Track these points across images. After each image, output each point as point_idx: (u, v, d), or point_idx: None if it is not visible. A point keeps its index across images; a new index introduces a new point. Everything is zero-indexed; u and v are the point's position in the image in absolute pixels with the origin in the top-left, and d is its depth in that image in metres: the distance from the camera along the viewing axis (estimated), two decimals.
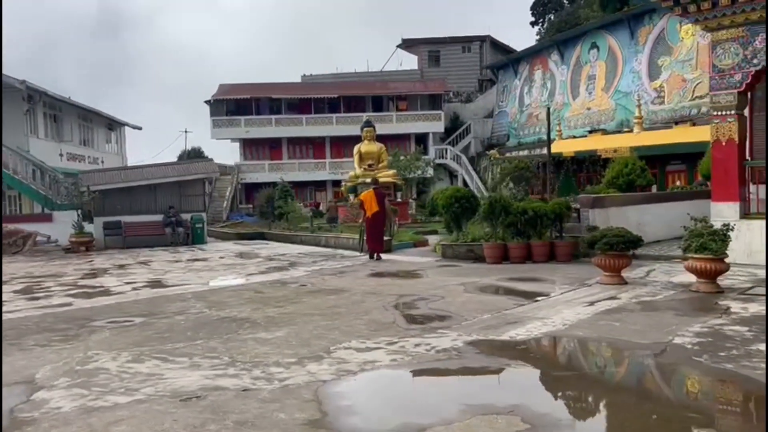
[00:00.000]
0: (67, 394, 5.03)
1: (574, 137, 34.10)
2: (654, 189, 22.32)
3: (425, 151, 40.67)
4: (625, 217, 14.55)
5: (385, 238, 16.88)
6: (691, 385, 5.23)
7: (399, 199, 27.80)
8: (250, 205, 42.54)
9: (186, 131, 60.02)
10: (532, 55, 41.15)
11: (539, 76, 40.41)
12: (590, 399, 4.92)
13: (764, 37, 11.24)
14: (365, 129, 29.38)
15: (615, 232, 9.54)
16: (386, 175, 27.96)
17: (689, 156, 27.52)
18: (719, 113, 11.91)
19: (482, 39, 47.91)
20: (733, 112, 11.73)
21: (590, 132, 33.61)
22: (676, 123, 29.41)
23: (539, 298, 8.85)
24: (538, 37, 53.65)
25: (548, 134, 16.11)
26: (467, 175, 41.28)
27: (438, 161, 41.56)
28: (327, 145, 43.54)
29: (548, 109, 16.49)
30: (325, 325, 7.45)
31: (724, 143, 11.86)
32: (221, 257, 16.40)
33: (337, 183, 43.15)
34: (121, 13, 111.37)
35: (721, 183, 11.99)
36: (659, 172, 28.29)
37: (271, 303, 9.17)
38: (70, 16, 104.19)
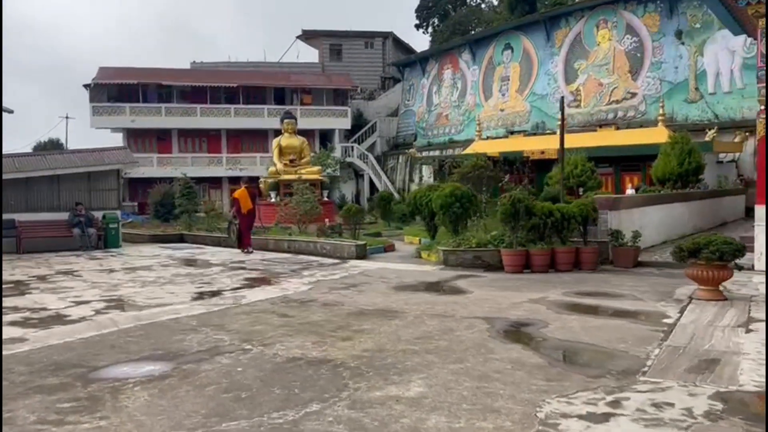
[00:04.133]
0: None
1: (489, 138, 33.39)
2: (581, 191, 21.66)
3: (328, 149, 38.42)
4: (631, 220, 13.44)
5: (359, 242, 14.71)
6: None
7: (326, 198, 25.47)
8: (135, 203, 38.22)
9: (67, 117, 52.88)
10: (442, 53, 40.20)
11: (449, 76, 39.53)
12: None
13: None
14: (286, 121, 26.72)
15: (722, 240, 8.08)
16: (311, 172, 25.61)
17: (615, 159, 27.50)
18: None
19: (385, 35, 46.43)
20: None
21: (511, 133, 33.08)
22: (600, 126, 29.45)
23: (665, 320, 7.18)
24: (430, 39, 53.08)
25: (561, 128, 14.66)
26: (374, 174, 39.55)
27: (342, 159, 39.40)
28: (223, 138, 40.01)
29: (562, 98, 15.05)
30: (461, 371, 5.29)
31: None
32: (164, 265, 13.34)
33: (234, 180, 39.84)
34: None
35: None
36: None
37: (324, 333, 6.79)
38: None
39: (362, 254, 14.05)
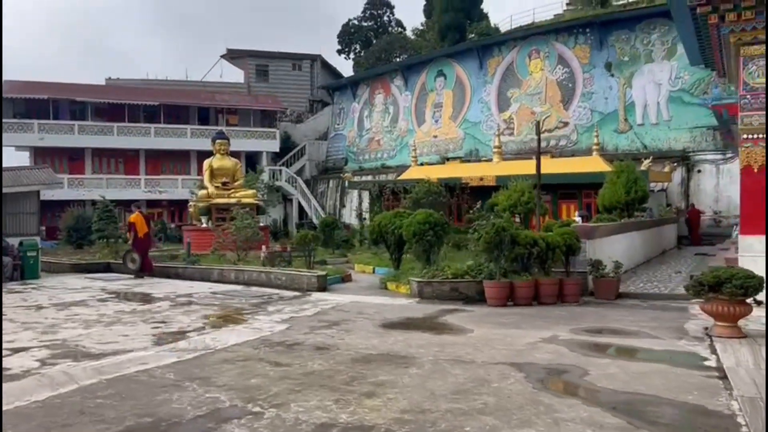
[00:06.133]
0: None
1: (424, 164, 32.97)
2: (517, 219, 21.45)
3: (256, 172, 36.85)
4: (602, 249, 13.06)
5: (319, 273, 13.60)
6: None
7: (262, 224, 24.08)
8: (43, 227, 35.21)
9: None
10: (373, 78, 39.68)
11: (380, 101, 39.04)
12: None
13: None
14: (218, 141, 25.29)
15: (744, 273, 7.62)
16: (247, 196, 24.21)
17: (552, 187, 27.66)
18: (751, 136, 10.77)
19: (313, 58, 45.52)
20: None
21: (447, 159, 32.81)
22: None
23: (706, 363, 6.58)
24: (353, 65, 52.36)
25: (537, 153, 14.16)
26: (304, 198, 38.30)
27: (271, 183, 37.89)
28: (142, 159, 37.70)
29: (538, 122, 14.60)
30: None
31: (755, 170, 10.70)
32: (101, 300, 11.71)
33: (154, 203, 37.59)
34: None
35: (752, 214, 10.76)
36: None
37: (338, 387, 5.71)
38: None
39: (323, 286, 12.95)
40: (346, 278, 14.58)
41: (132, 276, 16.32)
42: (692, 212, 25.23)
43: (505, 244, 10.67)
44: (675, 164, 26.71)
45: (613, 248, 13.96)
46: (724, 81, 24.92)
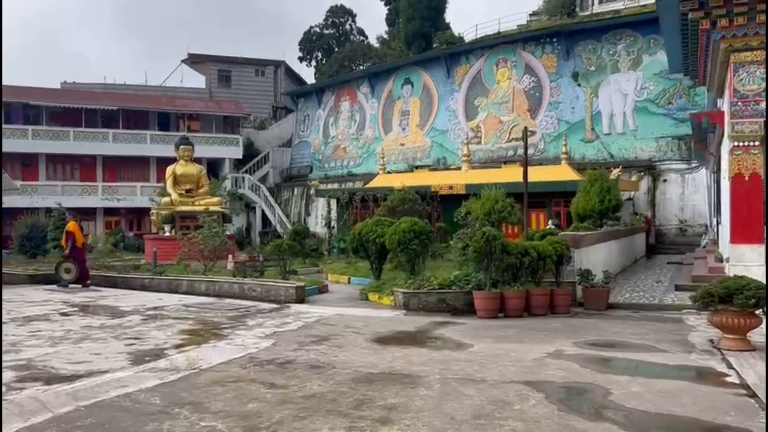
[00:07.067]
0: None
1: (392, 172, 32.58)
2: None
3: (219, 179, 35.89)
4: (587, 258, 12.81)
5: (298, 284, 12.99)
6: None
7: (228, 233, 23.28)
8: None
9: None
10: (339, 85, 39.19)
11: (346, 108, 38.56)
12: None
13: None
14: (182, 147, 24.37)
15: (756, 284, 7.36)
16: (211, 203, 23.38)
17: (520, 195, 27.38)
18: (741, 144, 10.64)
19: (277, 64, 44.81)
20: (757, 143, 10.55)
21: (416, 167, 32.47)
22: (505, 163, 29.49)
23: (727, 379, 6.25)
24: (315, 73, 51.68)
25: (525, 159, 13.84)
26: (267, 207, 37.45)
27: (234, 191, 36.98)
28: (99, 165, 36.38)
29: (525, 129, 14.29)
30: None
31: (747, 177, 10.59)
32: (64, 314, 10.88)
33: (111, 211, 36.29)
34: None
35: (744, 223, 10.65)
36: None
37: (346, 412, 5.18)
38: None
39: (302, 297, 12.35)
40: (323, 289, 14.01)
41: (65, 287, 15.45)
42: (646, 222, 25.44)
43: (495, 254, 10.27)
44: (642, 173, 26.90)
45: (596, 257, 13.76)
46: (692, 92, 25.28)
